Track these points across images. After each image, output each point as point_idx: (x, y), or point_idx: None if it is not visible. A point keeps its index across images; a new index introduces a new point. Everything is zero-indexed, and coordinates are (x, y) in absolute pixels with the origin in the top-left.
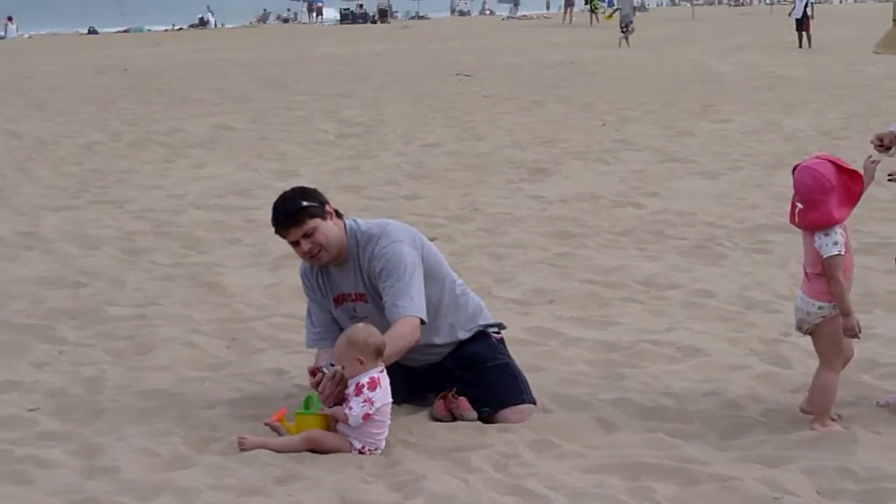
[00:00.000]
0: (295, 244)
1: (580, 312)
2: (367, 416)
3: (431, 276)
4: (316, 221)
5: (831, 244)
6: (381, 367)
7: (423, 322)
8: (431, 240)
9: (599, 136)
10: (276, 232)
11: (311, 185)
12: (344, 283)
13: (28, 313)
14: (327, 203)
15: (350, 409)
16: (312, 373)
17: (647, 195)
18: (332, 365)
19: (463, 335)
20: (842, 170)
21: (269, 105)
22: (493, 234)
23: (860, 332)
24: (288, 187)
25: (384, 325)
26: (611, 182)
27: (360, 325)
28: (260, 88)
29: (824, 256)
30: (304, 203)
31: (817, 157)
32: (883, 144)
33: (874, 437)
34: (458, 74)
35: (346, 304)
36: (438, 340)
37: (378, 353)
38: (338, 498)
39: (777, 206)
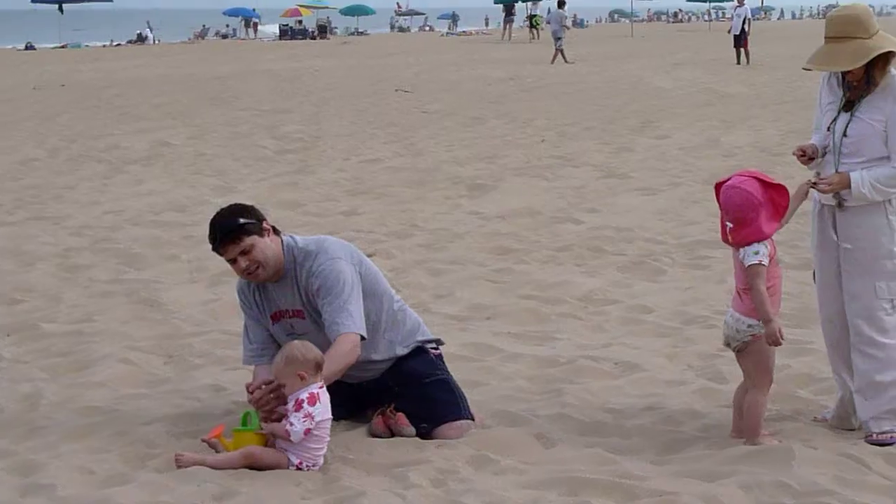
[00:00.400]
0: (232, 262)
1: (519, 328)
2: (307, 432)
3: (370, 293)
4: (253, 239)
5: (752, 254)
6: (321, 382)
7: (362, 338)
8: (370, 256)
9: (539, 152)
10: (214, 249)
11: (250, 202)
12: (281, 299)
13: None
14: (265, 220)
15: (291, 424)
16: (250, 390)
17: (587, 211)
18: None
19: (401, 351)
20: (767, 185)
21: (208, 121)
22: (432, 250)
23: (783, 339)
24: (226, 203)
25: (322, 341)
26: (550, 198)
27: (297, 342)
28: (199, 104)
29: (746, 265)
30: (242, 220)
31: (740, 175)
32: (805, 155)
33: (811, 452)
34: (398, 90)
35: (283, 320)
36: (377, 356)
37: (317, 367)
38: None
39: (715, 223)
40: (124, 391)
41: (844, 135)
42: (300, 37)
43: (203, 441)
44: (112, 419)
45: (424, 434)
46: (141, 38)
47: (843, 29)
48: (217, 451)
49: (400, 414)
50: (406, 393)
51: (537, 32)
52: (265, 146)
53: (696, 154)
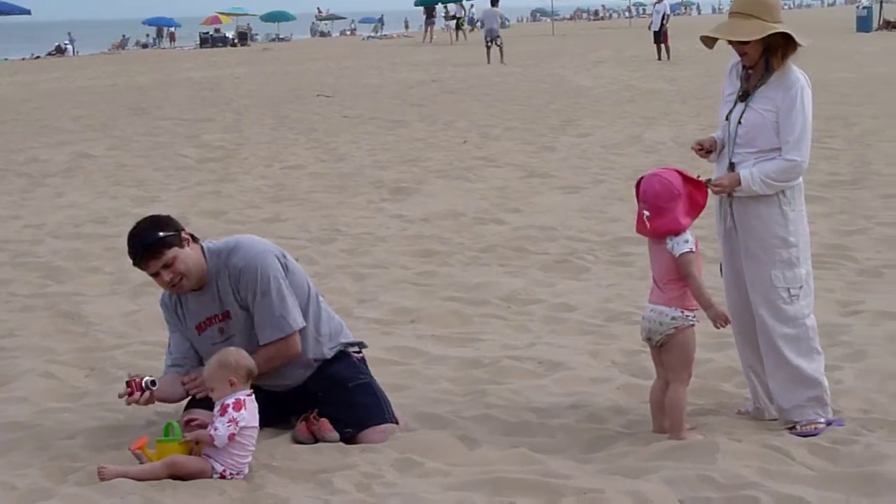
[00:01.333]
0: (155, 275)
1: (443, 330)
2: (231, 437)
3: (298, 286)
4: (174, 251)
5: (682, 242)
6: (249, 390)
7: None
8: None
9: (461, 153)
10: (135, 265)
11: (173, 211)
12: (204, 308)
13: None
14: (183, 229)
15: (215, 429)
16: (128, 384)
17: (509, 211)
18: (151, 379)
19: (328, 352)
20: (687, 179)
21: (128, 132)
22: (354, 255)
23: (728, 320)
24: (147, 213)
25: (254, 338)
26: (473, 199)
27: (232, 348)
28: (119, 115)
29: (677, 255)
30: (161, 234)
31: (662, 168)
32: (703, 149)
33: (735, 445)
34: (318, 95)
35: (211, 328)
36: (305, 355)
37: (249, 375)
38: None
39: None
40: (46, 405)
41: (739, 123)
42: (220, 44)
43: (129, 450)
44: (34, 434)
45: (348, 439)
46: (60, 50)
47: (748, 6)
48: (141, 462)
49: (323, 420)
50: (330, 398)
51: (464, 34)
52: (186, 155)
53: (617, 151)
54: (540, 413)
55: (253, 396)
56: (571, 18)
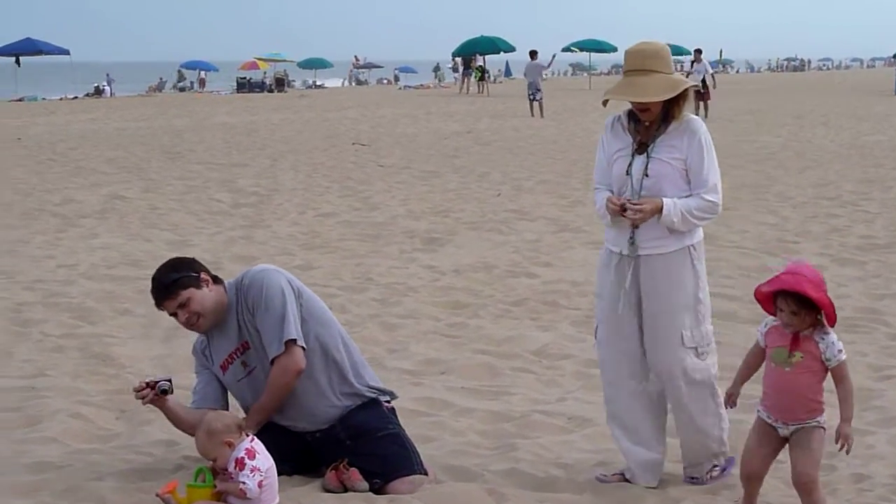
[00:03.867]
0: (174, 315)
1: (472, 383)
2: (260, 484)
3: (320, 320)
4: (190, 291)
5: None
6: (251, 437)
7: (301, 347)
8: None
9: (494, 206)
10: (156, 306)
11: (204, 256)
12: (226, 343)
13: None
14: (203, 271)
15: (244, 484)
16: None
17: (541, 265)
18: (168, 381)
19: (359, 387)
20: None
21: (162, 175)
22: (386, 305)
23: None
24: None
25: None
26: (505, 252)
27: (210, 413)
28: (154, 158)
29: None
30: (176, 275)
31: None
32: (619, 204)
33: None
34: (354, 144)
35: (234, 363)
36: (337, 388)
37: (239, 428)
38: None
39: None
40: (76, 446)
41: (646, 174)
42: (258, 90)
43: (157, 496)
44: (63, 475)
45: (377, 489)
46: (98, 91)
47: (647, 62)
48: None
49: (353, 469)
50: (358, 447)
51: (486, 86)
52: (220, 200)
53: None
54: (568, 469)
55: (256, 439)
56: (609, 73)
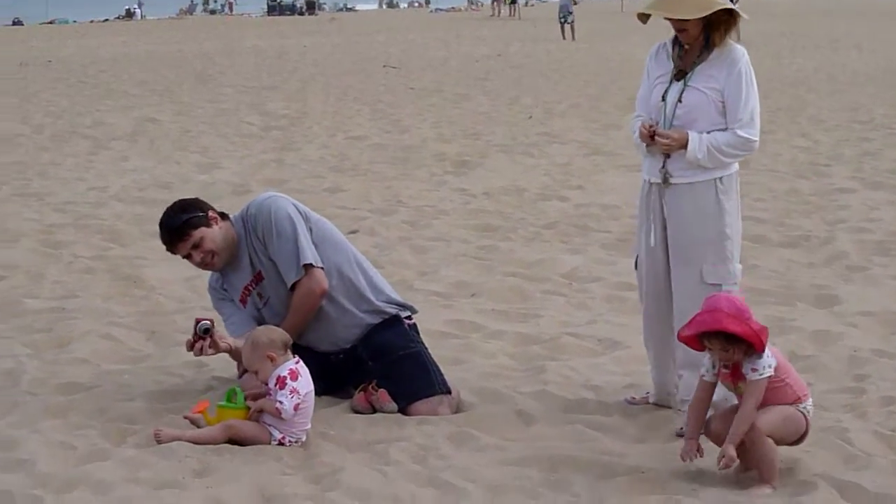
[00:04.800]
0: (188, 257)
1: (502, 305)
2: (297, 407)
3: (332, 244)
4: (201, 231)
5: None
6: (296, 358)
7: (320, 268)
8: (353, 232)
9: (525, 129)
10: (168, 250)
11: (233, 179)
12: (240, 277)
13: None
14: (210, 209)
15: (280, 403)
16: (191, 344)
17: (572, 188)
18: (209, 321)
19: (380, 304)
20: None
21: (193, 98)
22: (416, 227)
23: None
24: (211, 180)
25: (288, 294)
26: (536, 175)
27: (260, 327)
28: (184, 81)
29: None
30: (185, 216)
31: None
32: (649, 129)
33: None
34: (385, 66)
35: (250, 296)
36: (354, 308)
37: (285, 346)
38: (256, 490)
39: None
40: (106, 367)
41: (679, 101)
42: (288, 12)
43: (185, 417)
44: (93, 395)
45: (401, 410)
46: (129, 14)
47: None
48: (199, 427)
49: (382, 390)
50: (379, 368)
51: (517, 10)
52: (250, 123)
53: None
54: (597, 391)
55: (302, 362)
56: None
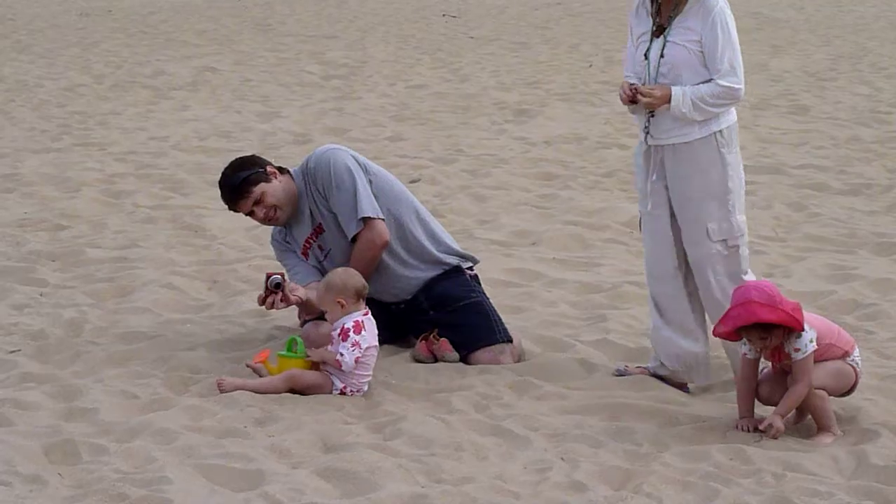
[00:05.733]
0: (250, 214)
1: (563, 254)
2: (357, 360)
3: (392, 196)
4: (261, 186)
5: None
6: (365, 310)
7: (381, 219)
8: (414, 182)
9: (585, 77)
10: (230, 209)
11: (294, 128)
12: (302, 230)
13: (8, 256)
14: (268, 164)
15: (341, 355)
16: (263, 298)
17: (633, 136)
18: (279, 275)
19: (441, 256)
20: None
21: (253, 47)
22: (476, 176)
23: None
24: (271, 129)
25: (349, 245)
26: (596, 123)
27: (339, 269)
28: (244, 30)
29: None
30: (245, 173)
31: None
32: (629, 91)
33: None
34: (444, 15)
35: (312, 248)
36: (416, 258)
37: (358, 295)
38: (318, 439)
39: (763, 148)
40: (168, 316)
41: (661, 57)
42: None
43: (247, 366)
44: (155, 344)
45: (462, 359)
46: None
47: None
48: (260, 376)
49: (443, 339)
50: (441, 317)
51: None
52: (311, 72)
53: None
54: None
55: (370, 315)
56: None
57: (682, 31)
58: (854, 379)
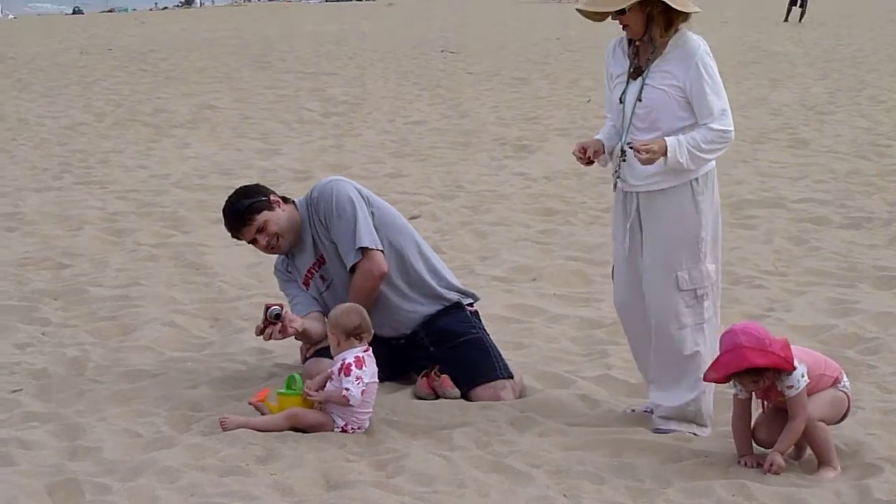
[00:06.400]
0: (253, 242)
1: (564, 290)
2: (363, 393)
3: (394, 228)
4: (265, 215)
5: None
6: (366, 346)
7: (380, 251)
8: (414, 218)
9: (584, 112)
10: (233, 236)
11: (294, 164)
12: (304, 260)
13: (10, 294)
14: (272, 193)
15: (347, 390)
16: (261, 329)
17: None
18: (279, 306)
19: (441, 291)
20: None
21: (252, 84)
22: (477, 212)
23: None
24: (272, 166)
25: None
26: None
27: (341, 305)
28: (244, 67)
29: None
30: (248, 201)
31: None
32: (585, 154)
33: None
34: (443, 51)
35: (313, 278)
36: (417, 292)
37: (346, 334)
38: (320, 476)
39: (762, 182)
40: (170, 354)
41: (639, 100)
42: None
43: (249, 404)
44: (157, 382)
45: (463, 395)
46: (188, 2)
47: None
48: (262, 414)
49: (444, 376)
50: (441, 353)
51: None
52: (310, 108)
53: (742, 113)
54: None
55: (371, 352)
56: None
57: (662, 75)
58: (847, 404)
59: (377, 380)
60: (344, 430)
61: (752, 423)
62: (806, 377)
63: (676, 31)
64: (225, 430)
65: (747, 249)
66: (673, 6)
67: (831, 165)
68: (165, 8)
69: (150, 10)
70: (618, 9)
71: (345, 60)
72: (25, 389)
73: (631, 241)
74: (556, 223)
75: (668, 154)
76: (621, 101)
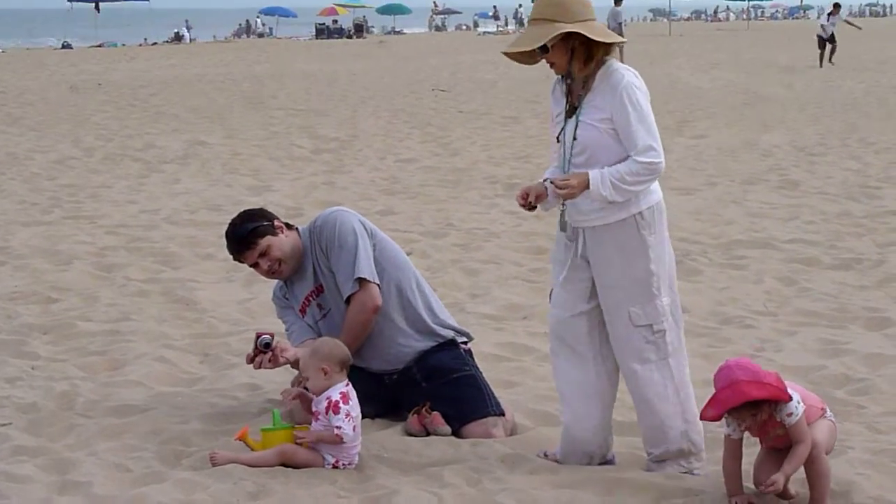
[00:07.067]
0: (255, 266)
1: None
2: (354, 429)
3: (394, 263)
4: (268, 239)
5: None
6: (346, 381)
7: (376, 284)
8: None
9: None
10: (235, 259)
11: (285, 201)
12: (303, 287)
13: (0, 328)
14: (276, 218)
15: (339, 428)
16: (251, 357)
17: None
18: (269, 335)
19: (435, 327)
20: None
21: (243, 121)
22: (467, 250)
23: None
24: (262, 202)
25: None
26: None
27: (328, 338)
28: (234, 104)
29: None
30: (252, 225)
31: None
32: (527, 200)
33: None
34: (434, 90)
35: (310, 306)
36: (412, 327)
37: (342, 365)
38: None
39: (753, 223)
40: (160, 389)
41: (574, 140)
42: (336, 36)
43: (237, 440)
44: (147, 417)
45: (454, 432)
46: (177, 37)
47: (542, 11)
48: (252, 450)
49: (435, 413)
50: (433, 389)
51: None
52: (301, 145)
53: (733, 155)
54: None
55: (351, 386)
56: (689, 19)
57: (592, 110)
58: (836, 434)
59: (360, 414)
60: (335, 467)
61: (756, 462)
62: (802, 404)
63: (603, 63)
64: (215, 465)
65: (738, 289)
66: (592, 38)
67: (821, 207)
68: (155, 43)
69: (140, 45)
70: (539, 44)
71: (337, 101)
72: (15, 424)
73: (575, 270)
74: (547, 261)
75: (591, 187)
76: (559, 140)
